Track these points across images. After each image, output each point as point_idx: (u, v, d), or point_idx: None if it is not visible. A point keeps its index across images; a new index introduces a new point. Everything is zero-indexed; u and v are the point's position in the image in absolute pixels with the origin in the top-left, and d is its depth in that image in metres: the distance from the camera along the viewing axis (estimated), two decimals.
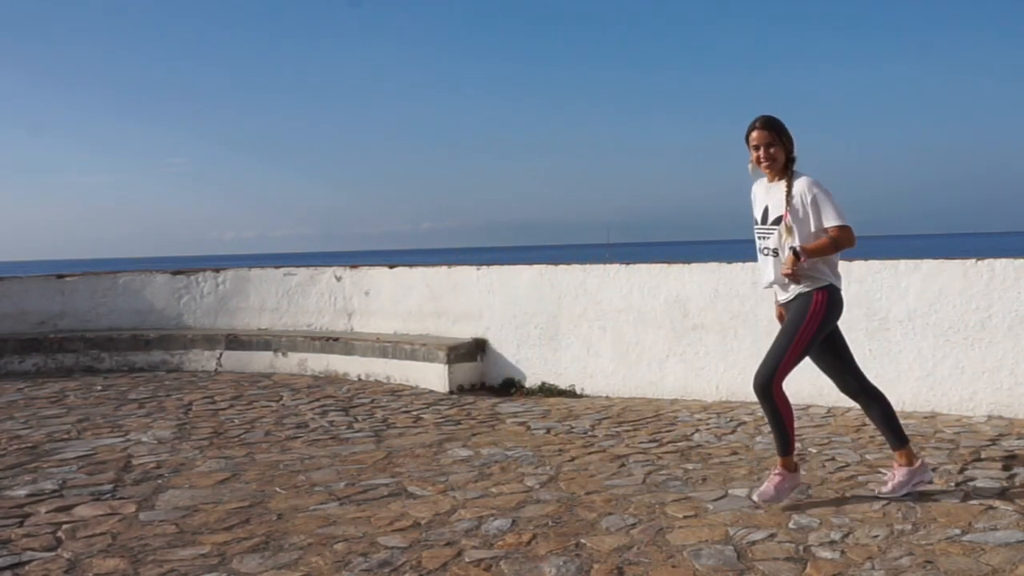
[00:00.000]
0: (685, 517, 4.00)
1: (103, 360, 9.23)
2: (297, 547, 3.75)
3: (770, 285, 4.21)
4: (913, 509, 3.99)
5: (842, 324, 6.27)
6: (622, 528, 3.88)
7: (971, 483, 4.37)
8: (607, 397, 7.17)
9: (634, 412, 6.44)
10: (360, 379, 8.25)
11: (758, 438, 5.43)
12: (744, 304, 6.65)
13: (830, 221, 4.01)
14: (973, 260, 5.92)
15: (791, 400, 6.08)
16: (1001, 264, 5.82)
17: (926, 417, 5.88)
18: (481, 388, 7.72)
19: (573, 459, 5.11)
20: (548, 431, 5.89)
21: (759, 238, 4.22)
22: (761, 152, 4.11)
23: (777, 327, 4.26)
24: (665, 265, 7.08)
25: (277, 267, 9.69)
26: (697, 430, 5.75)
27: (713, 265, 6.85)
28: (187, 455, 5.40)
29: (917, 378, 6.07)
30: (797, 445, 5.15)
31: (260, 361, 8.89)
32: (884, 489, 4.20)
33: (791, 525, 3.85)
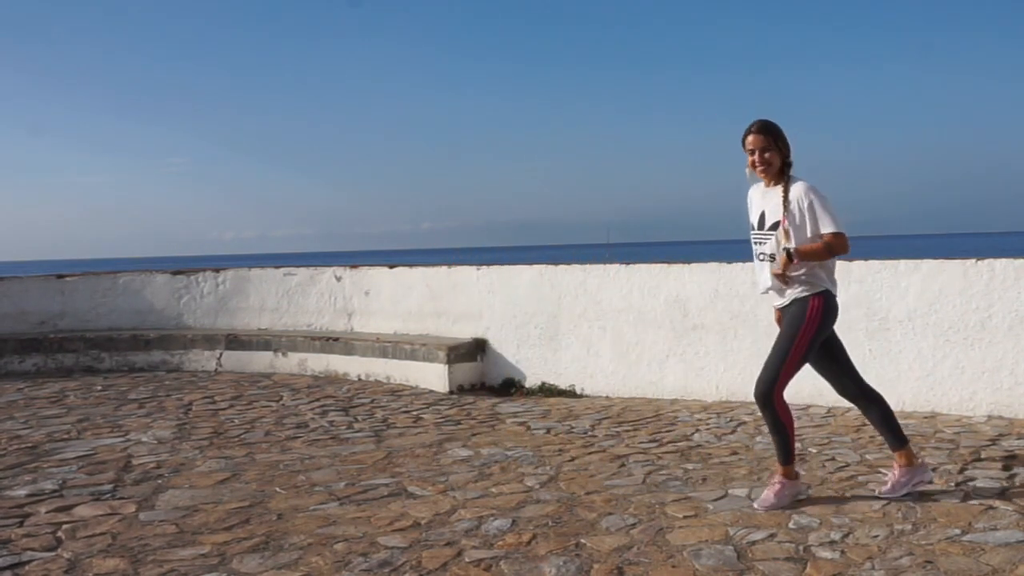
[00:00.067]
0: (685, 517, 4.00)
1: (103, 360, 9.23)
2: (297, 547, 3.75)
3: (767, 291, 4.20)
4: (913, 509, 3.99)
5: (842, 324, 6.26)
6: (622, 528, 3.88)
7: (971, 483, 4.37)
8: (607, 397, 7.17)
9: (634, 412, 6.45)
10: (360, 379, 8.25)
11: (758, 438, 5.43)
12: (744, 304, 6.64)
13: (826, 227, 4.00)
14: (973, 260, 5.92)
15: (791, 400, 6.08)
16: (1001, 264, 5.82)
17: (926, 417, 5.88)
18: (481, 388, 7.72)
19: (573, 459, 5.11)
20: (548, 431, 5.89)
21: (755, 243, 4.22)
22: (756, 156, 4.11)
23: (776, 331, 4.26)
24: (665, 265, 7.08)
25: (277, 267, 9.69)
26: (697, 430, 5.76)
27: (713, 265, 6.85)
28: (187, 455, 5.40)
29: (917, 378, 6.07)
30: (797, 445, 5.16)
31: (260, 361, 8.89)
32: (884, 489, 4.20)
33: (791, 525, 3.85)
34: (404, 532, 3.90)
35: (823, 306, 4.08)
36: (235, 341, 9.04)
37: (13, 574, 3.52)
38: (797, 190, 4.05)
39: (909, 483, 4.19)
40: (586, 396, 7.27)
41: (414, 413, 6.63)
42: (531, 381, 7.61)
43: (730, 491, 4.38)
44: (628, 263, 7.35)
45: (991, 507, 3.99)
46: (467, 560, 3.55)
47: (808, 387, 6.41)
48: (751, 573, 3.35)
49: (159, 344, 9.20)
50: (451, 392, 7.45)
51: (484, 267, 8.08)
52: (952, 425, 5.63)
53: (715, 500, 4.24)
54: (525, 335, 7.68)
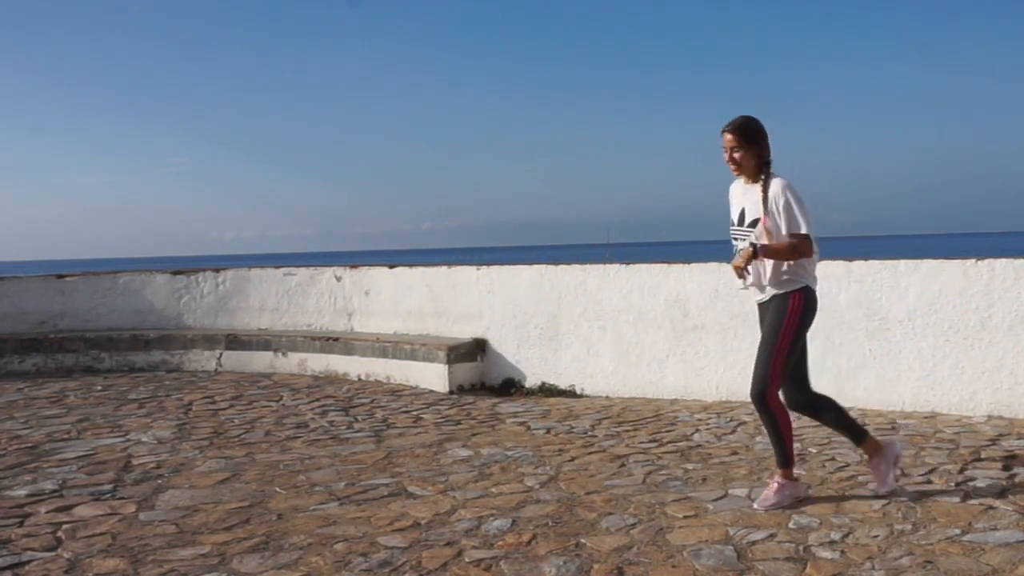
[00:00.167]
0: (685, 517, 4.00)
1: (103, 360, 9.23)
2: (297, 547, 3.75)
3: (746, 287, 4.21)
4: (913, 509, 3.99)
5: (842, 324, 6.30)
6: (622, 528, 3.88)
7: (971, 483, 4.37)
8: (607, 397, 7.17)
9: (634, 412, 6.44)
10: (360, 379, 8.25)
11: (758, 438, 5.43)
12: (744, 304, 6.64)
13: (794, 228, 4.00)
14: (973, 260, 5.92)
15: None
16: (1001, 264, 5.82)
17: (926, 417, 5.88)
18: (481, 388, 7.72)
19: (573, 459, 5.11)
20: (548, 431, 5.89)
21: (735, 239, 4.22)
22: (727, 155, 4.13)
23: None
24: (665, 265, 7.08)
25: (277, 267, 9.69)
26: (697, 430, 5.76)
27: (713, 265, 6.85)
28: (187, 455, 5.40)
29: (917, 378, 6.07)
30: (797, 445, 5.16)
31: (260, 361, 8.89)
32: (881, 489, 4.20)
33: (791, 525, 3.85)
34: (404, 532, 3.90)
35: (803, 302, 4.08)
36: (235, 341, 9.04)
37: (13, 574, 3.52)
38: (775, 187, 4.05)
39: (891, 466, 4.20)
40: (586, 396, 7.27)
41: (414, 413, 6.63)
42: (531, 381, 7.61)
43: (730, 491, 4.38)
44: (628, 263, 7.36)
45: (991, 507, 3.99)
46: (467, 560, 3.55)
47: None
48: (751, 573, 3.35)
49: (159, 344, 9.20)
50: (451, 392, 7.45)
51: (484, 267, 8.08)
52: (952, 425, 5.63)
53: (715, 500, 4.24)
54: (525, 335, 7.68)
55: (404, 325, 8.54)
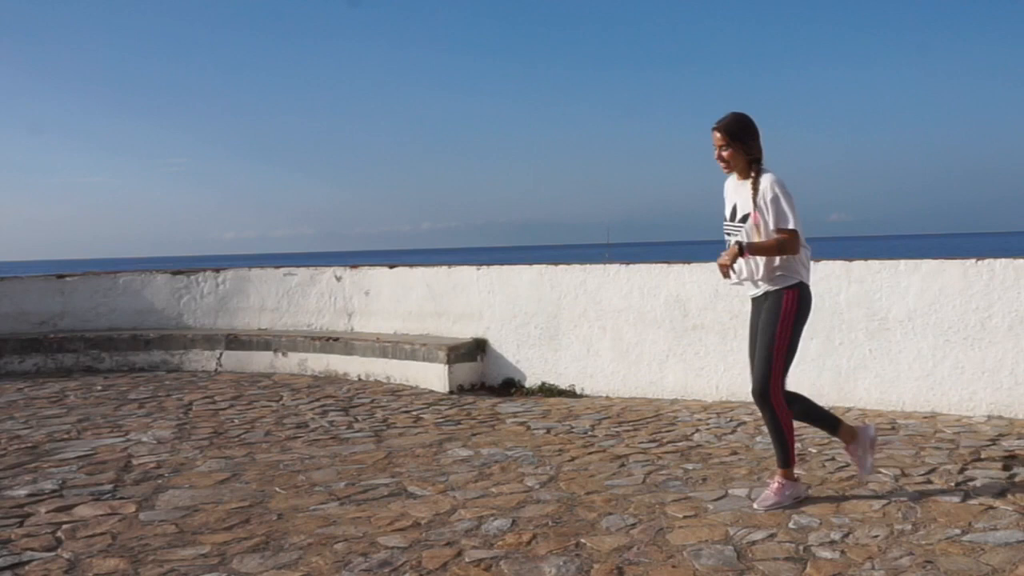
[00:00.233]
0: (685, 517, 4.00)
1: (103, 360, 9.23)
2: (297, 547, 3.75)
3: (740, 281, 4.21)
4: (913, 509, 3.99)
5: (842, 324, 6.30)
6: (622, 528, 3.88)
7: (971, 483, 4.37)
8: (607, 397, 7.17)
9: (634, 412, 6.45)
10: (360, 379, 8.25)
11: (758, 438, 5.43)
12: (744, 304, 6.62)
13: (781, 223, 4.01)
14: (973, 260, 5.92)
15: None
16: (1001, 264, 5.82)
17: (926, 417, 5.88)
18: (481, 388, 7.72)
19: (573, 459, 5.11)
20: (548, 431, 5.89)
21: (728, 235, 4.23)
22: (716, 153, 4.16)
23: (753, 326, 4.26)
24: (665, 265, 7.08)
25: (277, 267, 9.69)
26: (697, 430, 5.76)
27: (713, 265, 6.84)
28: (187, 455, 5.40)
29: (917, 378, 6.08)
30: (797, 445, 5.16)
31: (260, 361, 8.89)
32: (863, 474, 4.27)
33: (791, 525, 3.85)
34: (404, 532, 3.90)
35: (798, 298, 4.10)
36: (235, 341, 9.04)
37: (13, 574, 3.52)
38: (764, 182, 4.06)
39: (868, 453, 4.25)
40: (586, 396, 7.27)
41: (414, 413, 6.63)
42: (531, 381, 7.61)
43: (730, 491, 4.38)
44: (628, 263, 7.36)
45: (991, 507, 3.99)
46: (467, 560, 3.55)
47: (808, 388, 6.42)
48: (751, 573, 3.35)
49: (159, 344, 9.21)
50: (451, 392, 7.45)
51: (484, 267, 8.08)
52: (952, 425, 5.64)
53: (715, 500, 4.24)
54: (525, 335, 7.68)
55: (404, 325, 8.54)
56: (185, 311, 9.74)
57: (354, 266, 9.14)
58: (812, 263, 6.37)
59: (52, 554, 3.73)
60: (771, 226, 4.03)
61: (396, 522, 4.04)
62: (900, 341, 6.13)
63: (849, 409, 6.20)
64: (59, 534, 3.97)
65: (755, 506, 4.10)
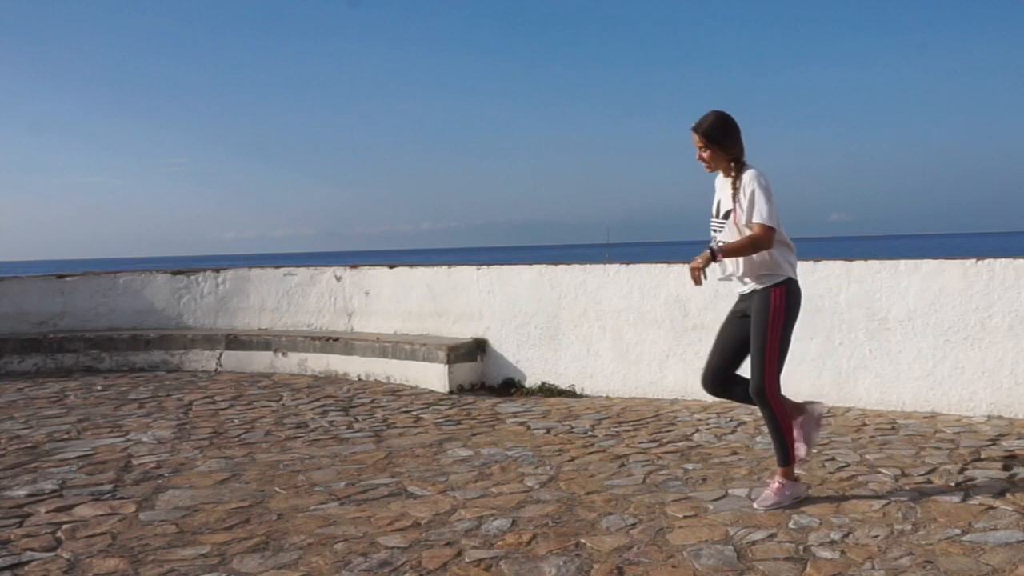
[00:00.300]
0: (685, 517, 4.00)
1: (103, 360, 9.23)
2: (297, 547, 3.75)
3: (728, 277, 4.22)
4: (913, 509, 3.99)
5: (842, 324, 6.30)
6: (622, 528, 3.88)
7: (971, 483, 4.37)
8: (607, 397, 7.17)
9: (634, 412, 6.45)
10: (360, 379, 8.25)
11: (758, 438, 5.43)
12: None
13: (755, 218, 4.01)
14: (973, 260, 5.92)
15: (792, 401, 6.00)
16: (1001, 264, 5.82)
17: (926, 417, 5.88)
18: (481, 388, 7.73)
19: (573, 459, 5.11)
20: (548, 431, 5.89)
21: (713, 231, 4.25)
22: (697, 154, 4.18)
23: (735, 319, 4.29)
24: (665, 265, 7.08)
25: (277, 267, 9.69)
26: (697, 430, 5.76)
27: (714, 264, 6.84)
28: (187, 455, 5.40)
29: (917, 378, 6.08)
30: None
31: (260, 361, 8.89)
32: (810, 450, 4.32)
33: (791, 525, 3.85)
34: (404, 532, 3.90)
35: (786, 295, 4.11)
36: (235, 341, 9.04)
37: (13, 574, 3.52)
38: (745, 178, 4.07)
39: (815, 430, 4.32)
40: (586, 396, 7.27)
41: (414, 413, 6.63)
42: (531, 381, 7.61)
43: (730, 491, 4.38)
44: (628, 263, 7.36)
45: (991, 507, 3.99)
46: (467, 560, 3.55)
47: (808, 387, 6.42)
48: (751, 573, 3.35)
49: (159, 344, 9.21)
50: (451, 392, 7.45)
51: (484, 267, 8.08)
52: (952, 425, 5.64)
53: (715, 500, 4.24)
54: (525, 335, 7.68)
55: (404, 325, 8.54)
56: (185, 311, 9.74)
57: (354, 266, 9.15)
58: (812, 263, 6.42)
59: (52, 554, 3.73)
60: (743, 222, 4.04)
61: (396, 522, 4.04)
62: (900, 341, 6.13)
63: (849, 409, 6.21)
64: (59, 534, 3.97)
65: (755, 506, 4.10)
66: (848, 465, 4.77)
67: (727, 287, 6.72)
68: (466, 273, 8.15)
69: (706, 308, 6.82)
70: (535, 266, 7.78)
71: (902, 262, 6.16)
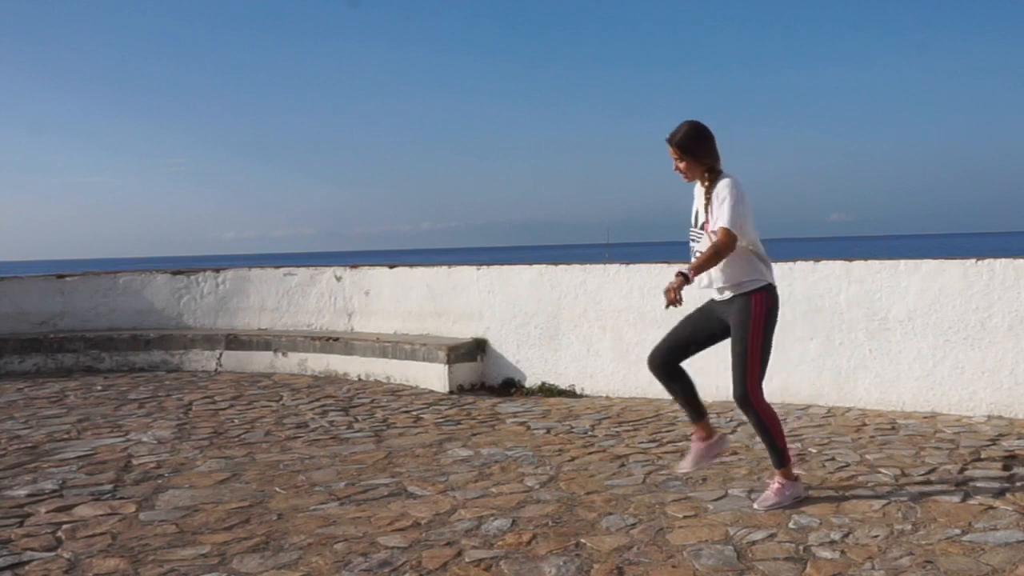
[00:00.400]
0: (685, 517, 4.00)
1: (103, 360, 9.23)
2: (297, 547, 3.75)
3: (708, 285, 4.21)
4: (913, 509, 3.99)
5: (842, 324, 6.30)
6: (622, 528, 3.88)
7: (971, 483, 4.37)
8: (607, 397, 7.17)
9: (634, 412, 6.45)
10: (360, 379, 8.25)
11: (758, 438, 5.42)
12: None
13: (718, 221, 4.02)
14: (973, 260, 5.92)
15: (791, 401, 6.08)
16: (1001, 264, 5.82)
17: (926, 417, 5.88)
18: (481, 388, 7.73)
19: (573, 459, 5.11)
20: (548, 431, 5.89)
21: (692, 240, 4.26)
22: (673, 165, 4.20)
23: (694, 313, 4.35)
24: (665, 265, 7.08)
25: (277, 267, 9.70)
26: None
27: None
28: (187, 455, 5.40)
29: (917, 378, 6.07)
30: (797, 445, 5.16)
31: (260, 361, 8.89)
32: (688, 467, 4.43)
33: (791, 525, 3.85)
34: (404, 532, 3.90)
35: (765, 301, 4.11)
36: (235, 341, 9.04)
37: (13, 574, 3.52)
38: (718, 186, 4.09)
39: (709, 457, 4.41)
40: (586, 396, 7.27)
41: (414, 413, 6.63)
42: (531, 381, 7.61)
43: (730, 491, 4.38)
44: (628, 263, 7.35)
45: (991, 507, 3.99)
46: (467, 560, 3.55)
47: (808, 387, 6.43)
48: (751, 573, 3.35)
49: (159, 344, 9.21)
50: (451, 392, 7.45)
51: (484, 267, 8.08)
52: (952, 425, 5.63)
53: (715, 500, 4.24)
54: (525, 335, 7.68)
55: (404, 325, 8.54)
56: (185, 311, 9.74)
57: (354, 266, 9.15)
58: (812, 263, 6.43)
59: (52, 554, 3.73)
60: (712, 228, 4.06)
61: (396, 522, 4.04)
62: (900, 341, 6.13)
63: (849, 409, 6.20)
64: (59, 534, 3.97)
65: (755, 506, 4.10)
66: (848, 465, 4.77)
67: None
68: (466, 273, 8.15)
69: None
70: (535, 266, 7.78)
71: (902, 262, 6.16)
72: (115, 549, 3.77)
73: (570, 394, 7.34)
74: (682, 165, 4.15)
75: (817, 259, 6.47)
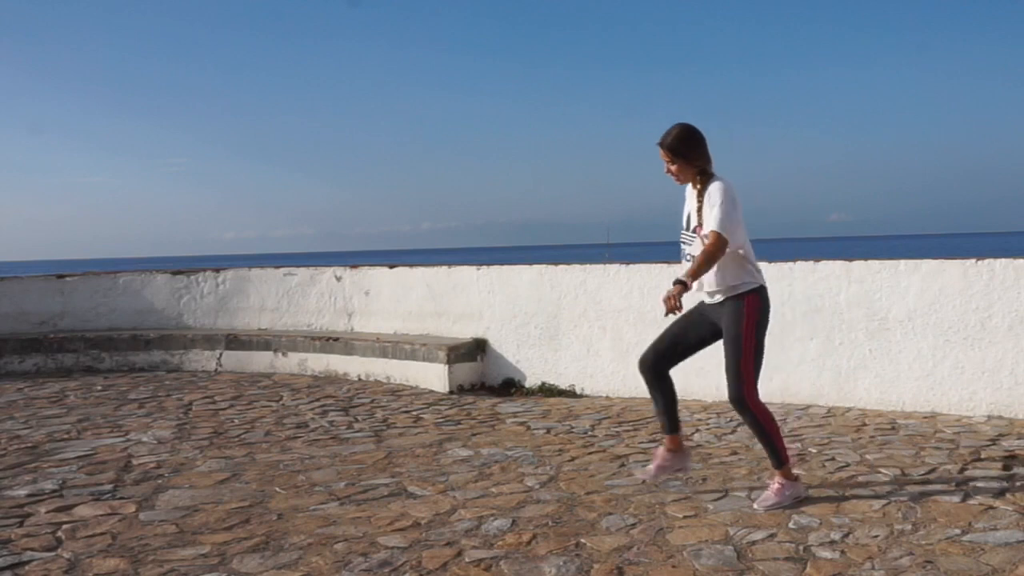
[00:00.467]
0: (685, 517, 4.00)
1: (103, 360, 9.23)
2: (297, 547, 3.75)
3: (699, 288, 4.22)
4: (913, 509, 3.99)
5: (842, 324, 6.30)
6: (622, 528, 3.88)
7: (971, 483, 4.37)
8: (607, 397, 7.17)
9: (634, 412, 6.44)
10: (360, 379, 8.25)
11: None
12: None
13: (709, 225, 4.03)
14: (973, 260, 5.92)
15: (791, 401, 6.09)
16: (1001, 264, 5.82)
17: (926, 417, 5.88)
18: (481, 388, 7.73)
19: (573, 459, 5.11)
20: (548, 431, 5.89)
21: (683, 243, 4.28)
22: (665, 168, 4.21)
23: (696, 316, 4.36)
24: (665, 265, 7.08)
25: (277, 267, 9.70)
26: (697, 430, 5.75)
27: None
28: (187, 455, 5.40)
29: (917, 378, 6.07)
30: (796, 445, 5.16)
31: (260, 361, 8.89)
32: (647, 477, 4.43)
33: (791, 525, 3.85)
34: (404, 532, 3.90)
35: (757, 302, 4.13)
36: (235, 341, 9.04)
37: (13, 574, 3.52)
38: (710, 189, 4.10)
39: (669, 471, 4.41)
40: (586, 396, 7.27)
41: (414, 413, 6.63)
42: (531, 381, 7.61)
43: (730, 491, 4.37)
44: (628, 263, 7.35)
45: (991, 507, 3.99)
46: (467, 560, 3.55)
47: (808, 387, 6.43)
48: (751, 573, 3.35)
49: (159, 344, 9.21)
50: (451, 392, 7.45)
51: (484, 267, 8.08)
52: (952, 425, 5.64)
53: (715, 500, 4.24)
54: (525, 335, 7.68)
55: (404, 325, 8.54)
56: (185, 311, 9.74)
57: (354, 266, 9.15)
58: (812, 263, 6.43)
59: (52, 554, 3.73)
60: (703, 230, 4.08)
61: (396, 522, 4.04)
62: (900, 341, 6.13)
63: (849, 409, 6.20)
64: (59, 534, 3.98)
65: (755, 506, 4.10)
66: (848, 465, 4.77)
67: None
68: (466, 273, 8.15)
69: None
70: (535, 266, 7.78)
71: (902, 262, 6.16)
72: (115, 549, 3.77)
73: (570, 394, 7.34)
74: (674, 168, 4.17)
75: (817, 259, 6.48)
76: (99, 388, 8.06)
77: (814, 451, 5.09)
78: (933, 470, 4.61)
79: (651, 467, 4.43)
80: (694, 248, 4.17)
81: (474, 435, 5.83)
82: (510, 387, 7.64)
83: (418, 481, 4.71)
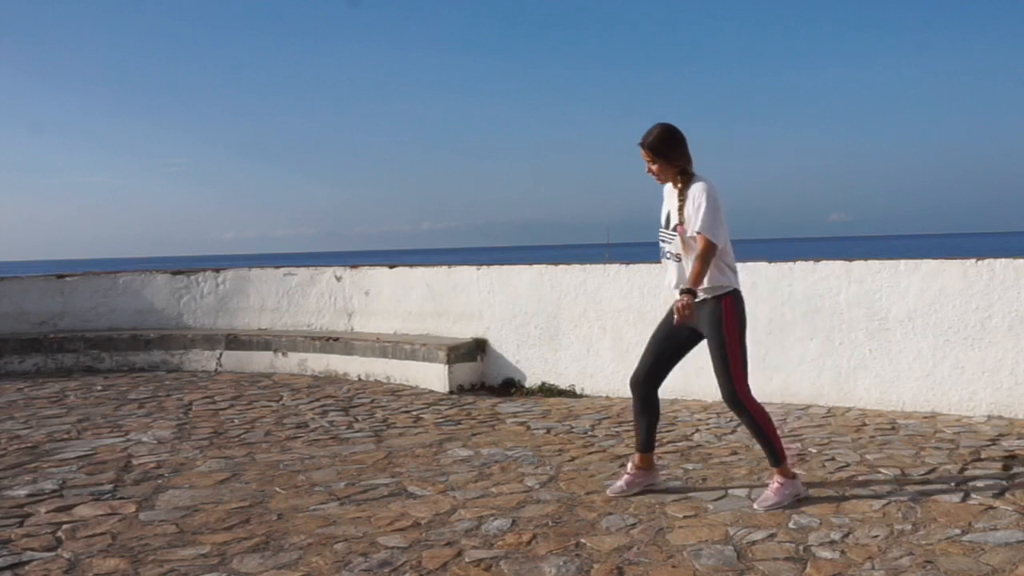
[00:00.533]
0: (685, 517, 4.00)
1: (103, 360, 9.24)
2: (297, 547, 3.75)
3: (677, 286, 4.23)
4: (913, 509, 4.00)
5: (842, 324, 6.30)
6: (622, 528, 3.88)
7: (971, 483, 4.37)
8: (607, 397, 7.17)
9: None
10: (360, 379, 8.25)
11: None
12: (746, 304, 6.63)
13: (696, 227, 4.06)
14: (973, 260, 5.92)
15: (791, 401, 6.09)
16: (1001, 264, 5.82)
17: (926, 417, 5.88)
18: (481, 388, 7.72)
19: (573, 459, 5.11)
20: (548, 431, 5.89)
21: (662, 242, 4.30)
22: (646, 168, 4.23)
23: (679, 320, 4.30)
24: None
25: (277, 267, 9.70)
26: (697, 430, 5.76)
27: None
28: (187, 455, 5.40)
29: (917, 378, 6.07)
30: (797, 445, 5.17)
31: (260, 361, 8.89)
32: (615, 490, 4.35)
33: (791, 525, 3.85)
34: (404, 532, 3.90)
35: (733, 304, 4.18)
36: (235, 341, 9.04)
37: (13, 574, 3.52)
38: (692, 191, 4.13)
39: (640, 486, 4.36)
40: (586, 396, 7.27)
41: (414, 413, 6.63)
42: (531, 381, 7.61)
43: (730, 491, 4.38)
44: (628, 263, 7.35)
45: (991, 507, 3.99)
46: (467, 560, 3.55)
47: (808, 387, 6.43)
48: (751, 573, 3.35)
49: (159, 344, 9.21)
50: (451, 392, 7.45)
51: (484, 267, 8.08)
52: (952, 425, 5.63)
53: (715, 500, 4.24)
54: (525, 335, 7.68)
55: (404, 325, 8.54)
56: (185, 311, 9.74)
57: (354, 266, 9.15)
58: (812, 263, 6.44)
59: (52, 554, 3.73)
60: (688, 233, 4.09)
61: (396, 522, 4.04)
62: (900, 341, 6.13)
63: (849, 409, 6.20)
64: (59, 534, 3.98)
65: (755, 506, 4.10)
66: (848, 465, 4.77)
67: None
68: (466, 273, 8.15)
69: None
70: (535, 266, 7.78)
71: (902, 262, 6.16)
72: (115, 549, 3.77)
73: (570, 394, 7.34)
74: (655, 167, 4.20)
75: (817, 259, 6.48)
76: (99, 388, 8.06)
77: (814, 451, 5.09)
78: (933, 470, 4.61)
79: (620, 483, 4.41)
80: (673, 246, 4.22)
81: (474, 435, 5.83)
82: (510, 387, 7.64)
83: (418, 481, 4.72)
